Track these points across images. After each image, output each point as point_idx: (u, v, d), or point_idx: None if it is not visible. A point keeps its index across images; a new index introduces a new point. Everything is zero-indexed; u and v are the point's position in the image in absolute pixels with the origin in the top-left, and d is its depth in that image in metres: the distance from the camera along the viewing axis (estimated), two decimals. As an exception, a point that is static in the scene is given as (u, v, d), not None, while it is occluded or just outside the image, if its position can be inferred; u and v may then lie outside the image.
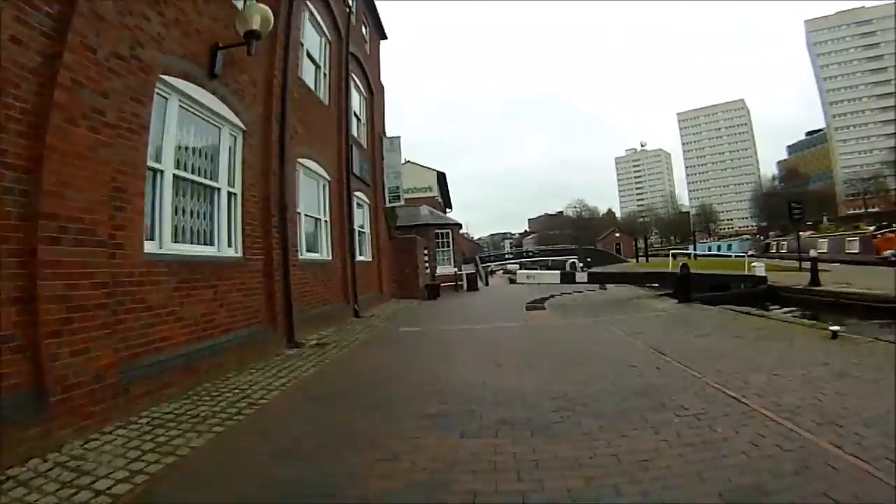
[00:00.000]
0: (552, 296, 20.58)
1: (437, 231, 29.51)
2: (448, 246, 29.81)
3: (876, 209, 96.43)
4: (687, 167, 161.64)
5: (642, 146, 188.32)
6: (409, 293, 22.70)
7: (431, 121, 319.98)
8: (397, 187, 22.38)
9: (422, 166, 49.82)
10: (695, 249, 50.50)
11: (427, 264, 26.83)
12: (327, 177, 14.36)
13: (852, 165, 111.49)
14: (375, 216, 20.36)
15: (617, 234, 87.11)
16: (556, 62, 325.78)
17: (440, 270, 28.81)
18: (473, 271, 32.46)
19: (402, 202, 23.24)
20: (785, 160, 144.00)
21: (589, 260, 47.15)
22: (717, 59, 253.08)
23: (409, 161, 50.95)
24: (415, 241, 24.09)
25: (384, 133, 22.90)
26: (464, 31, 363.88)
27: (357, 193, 17.58)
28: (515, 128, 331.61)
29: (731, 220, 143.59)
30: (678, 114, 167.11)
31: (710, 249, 54.35)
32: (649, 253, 57.07)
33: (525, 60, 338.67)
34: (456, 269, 29.06)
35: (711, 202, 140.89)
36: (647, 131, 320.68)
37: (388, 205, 22.24)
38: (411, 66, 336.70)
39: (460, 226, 31.75)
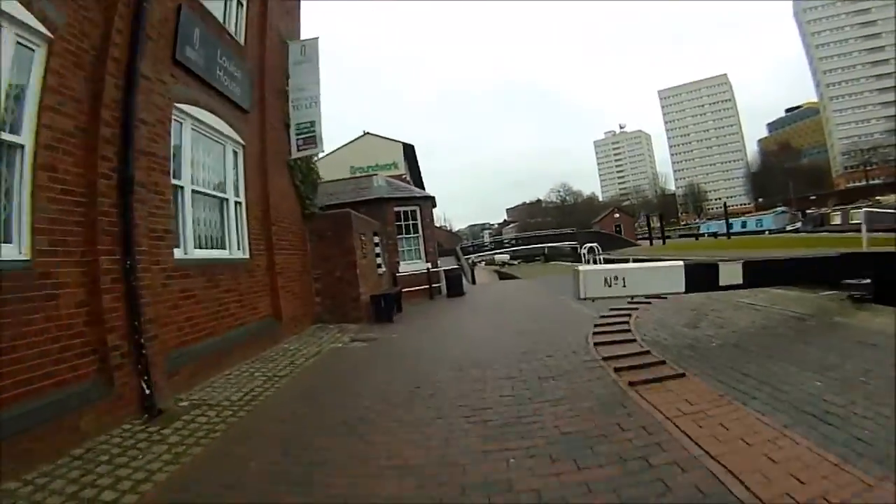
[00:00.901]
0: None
1: (398, 209, 19.52)
2: (416, 231, 19.60)
3: (879, 180, 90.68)
4: (671, 146, 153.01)
5: (621, 128, 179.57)
6: (342, 312, 12.66)
7: (406, 119, 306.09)
8: (312, 124, 12.34)
9: (384, 138, 39.77)
10: (728, 228, 40.70)
11: (381, 260, 16.64)
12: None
13: (850, 136, 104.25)
14: (262, 170, 10.27)
15: (617, 215, 77.73)
16: (530, 49, 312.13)
17: (405, 267, 19.11)
18: (456, 267, 22.49)
19: (321, 149, 13.02)
20: (765, 138, 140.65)
21: (595, 245, 37.89)
22: (695, 35, 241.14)
23: (367, 133, 41.25)
24: (348, 222, 13.43)
25: (294, 36, 12.90)
26: (430, 24, 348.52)
27: (198, 112, 8.02)
28: (491, 119, 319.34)
29: (720, 199, 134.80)
30: (659, 91, 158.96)
31: (731, 227, 44.39)
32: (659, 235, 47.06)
33: (497, 49, 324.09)
34: (429, 266, 18.94)
35: (699, 182, 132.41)
36: (626, 114, 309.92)
37: (295, 154, 12.12)
38: (383, 65, 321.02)
39: (433, 201, 21.31)
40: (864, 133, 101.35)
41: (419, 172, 44.26)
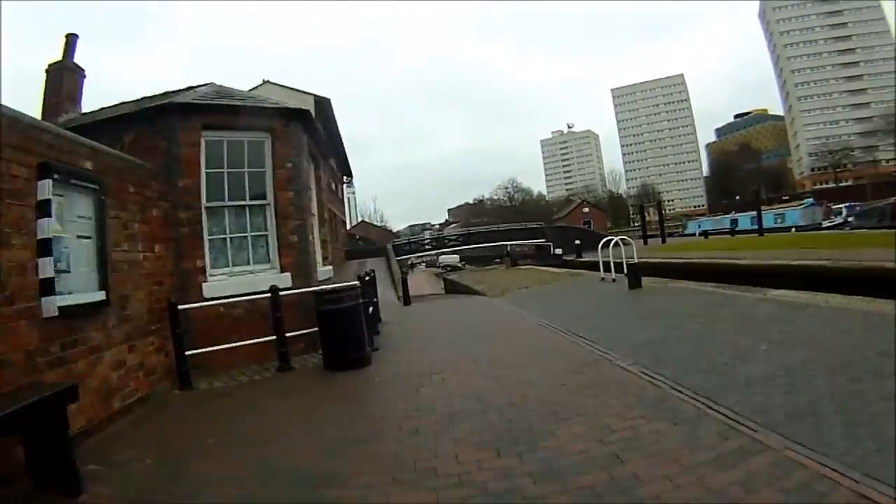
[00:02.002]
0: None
1: (212, 135, 7.95)
2: (264, 197, 8.10)
3: (848, 182, 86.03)
4: (623, 146, 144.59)
5: (570, 128, 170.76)
6: None
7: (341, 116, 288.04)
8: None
9: (290, 88, 28.22)
10: (760, 222, 30.05)
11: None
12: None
13: (819, 137, 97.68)
14: None
15: (586, 210, 67.74)
16: (474, 42, 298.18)
17: (219, 286, 7.64)
18: (370, 274, 11.11)
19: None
20: (713, 143, 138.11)
21: (578, 242, 27.39)
22: (651, 33, 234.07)
23: (268, 81, 29.60)
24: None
25: None
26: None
27: None
28: (430, 116, 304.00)
29: (673, 199, 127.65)
30: (613, 90, 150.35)
31: (752, 223, 33.85)
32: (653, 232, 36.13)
33: (439, 42, 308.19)
34: (283, 282, 7.51)
35: (652, 182, 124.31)
36: (572, 114, 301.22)
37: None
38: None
39: (311, 120, 9.32)
40: (833, 135, 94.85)
41: (340, 140, 32.67)
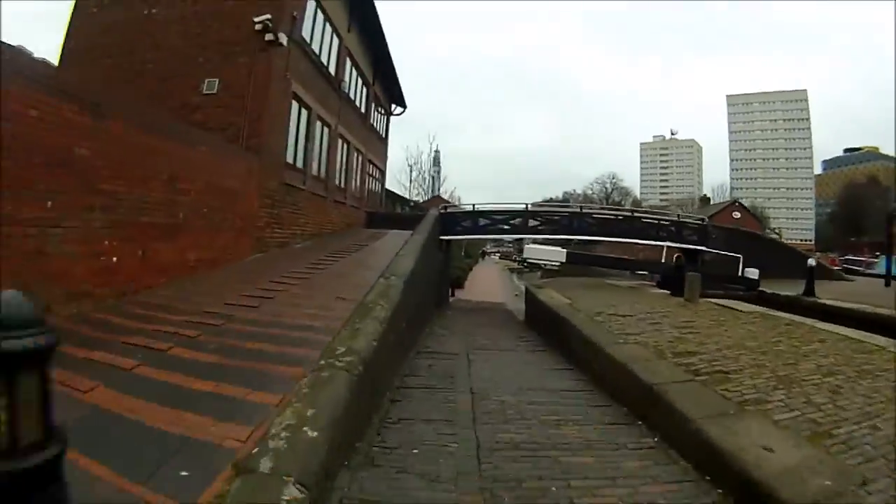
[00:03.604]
0: None
1: None
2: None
3: None
4: (733, 159, 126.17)
5: (672, 134, 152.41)
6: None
7: (430, 86, 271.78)
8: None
9: None
10: None
11: None
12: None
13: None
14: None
15: (736, 214, 52.51)
16: (571, 38, 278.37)
17: None
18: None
19: None
20: (819, 175, 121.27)
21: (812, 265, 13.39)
22: (765, 44, 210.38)
23: None
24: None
25: None
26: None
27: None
28: (514, 108, 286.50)
29: (779, 229, 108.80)
30: (728, 96, 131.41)
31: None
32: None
33: (538, 33, 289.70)
34: None
35: (760, 204, 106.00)
36: (676, 121, 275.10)
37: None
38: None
39: None
40: None
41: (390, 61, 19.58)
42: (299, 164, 14.61)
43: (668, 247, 19.07)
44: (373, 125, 23.44)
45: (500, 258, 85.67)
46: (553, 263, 16.38)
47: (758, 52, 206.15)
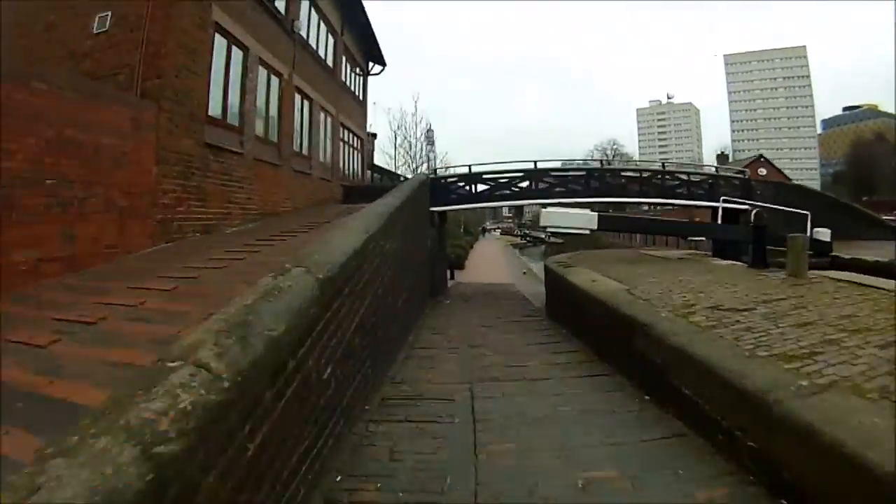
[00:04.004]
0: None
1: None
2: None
3: None
4: (733, 120, 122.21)
5: (669, 98, 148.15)
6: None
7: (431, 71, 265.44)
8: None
9: None
10: None
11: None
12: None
13: None
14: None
15: (762, 171, 47.86)
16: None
17: None
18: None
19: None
20: (819, 135, 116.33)
21: None
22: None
23: None
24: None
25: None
26: None
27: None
28: (516, 87, 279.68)
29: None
30: (726, 56, 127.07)
31: None
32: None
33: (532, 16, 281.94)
34: None
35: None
36: (672, 84, 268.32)
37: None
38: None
39: None
40: None
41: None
42: (232, 119, 10.90)
43: (707, 207, 15.27)
44: (345, 83, 19.63)
45: (501, 234, 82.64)
46: (580, 231, 12.80)
47: (754, 8, 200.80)
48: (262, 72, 12.34)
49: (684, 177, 16.40)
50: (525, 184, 14.49)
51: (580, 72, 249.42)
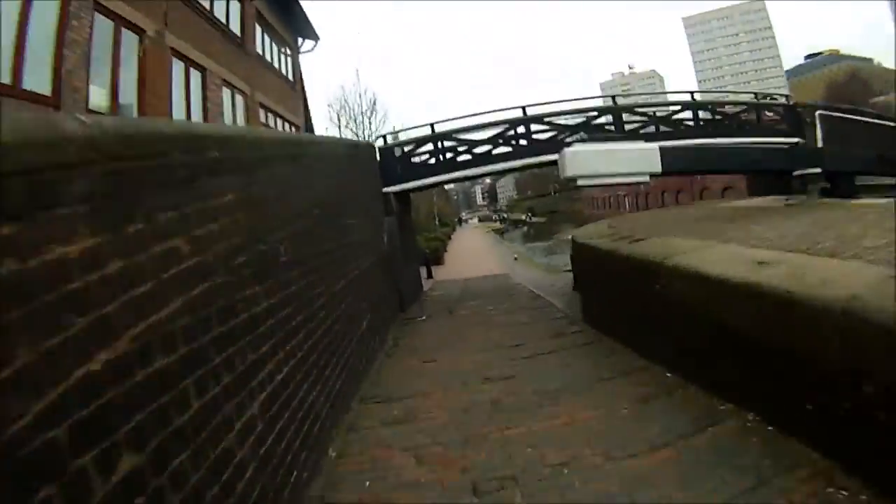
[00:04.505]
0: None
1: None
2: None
3: None
4: (700, 81, 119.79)
5: (630, 69, 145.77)
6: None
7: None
8: None
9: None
10: None
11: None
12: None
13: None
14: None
15: (768, 113, 44.05)
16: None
17: None
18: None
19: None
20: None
21: None
22: None
23: None
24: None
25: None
26: None
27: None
28: (479, 79, 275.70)
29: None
30: (684, 19, 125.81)
31: None
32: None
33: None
34: None
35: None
36: (633, 54, 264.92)
37: None
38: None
39: None
40: None
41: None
42: (38, 85, 6.74)
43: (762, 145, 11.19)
44: (263, 57, 15.40)
45: (479, 221, 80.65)
46: (632, 179, 8.77)
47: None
48: (103, 22, 8.14)
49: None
50: (513, 142, 10.34)
51: (543, 52, 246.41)
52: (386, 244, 8.61)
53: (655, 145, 8.54)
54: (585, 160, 8.38)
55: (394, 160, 10.11)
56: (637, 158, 8.28)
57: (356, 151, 8.41)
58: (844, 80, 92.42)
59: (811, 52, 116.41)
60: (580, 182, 9.43)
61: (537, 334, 6.58)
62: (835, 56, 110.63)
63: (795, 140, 11.22)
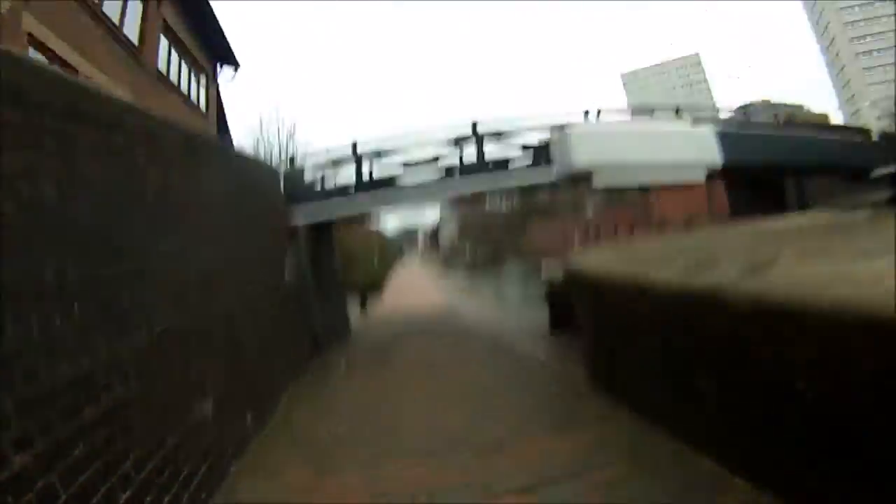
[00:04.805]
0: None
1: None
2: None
3: None
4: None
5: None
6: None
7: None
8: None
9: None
10: None
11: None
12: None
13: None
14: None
15: None
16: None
17: None
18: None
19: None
20: None
21: None
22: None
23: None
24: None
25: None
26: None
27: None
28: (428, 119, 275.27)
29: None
30: (623, 75, 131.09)
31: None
32: None
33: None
34: None
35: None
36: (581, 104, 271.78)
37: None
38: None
39: None
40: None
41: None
42: None
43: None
44: (167, 77, 13.33)
45: (421, 259, 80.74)
46: (687, 174, 6.79)
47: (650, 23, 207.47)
48: None
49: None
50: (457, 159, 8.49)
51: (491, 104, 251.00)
52: (288, 277, 6.59)
53: (708, 129, 6.62)
54: (601, 144, 6.29)
55: (300, 186, 8.11)
56: (682, 145, 6.31)
57: (266, 182, 6.43)
58: (788, 119, 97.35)
59: (744, 103, 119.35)
60: (596, 179, 7.14)
61: (523, 413, 4.39)
62: (767, 104, 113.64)
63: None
